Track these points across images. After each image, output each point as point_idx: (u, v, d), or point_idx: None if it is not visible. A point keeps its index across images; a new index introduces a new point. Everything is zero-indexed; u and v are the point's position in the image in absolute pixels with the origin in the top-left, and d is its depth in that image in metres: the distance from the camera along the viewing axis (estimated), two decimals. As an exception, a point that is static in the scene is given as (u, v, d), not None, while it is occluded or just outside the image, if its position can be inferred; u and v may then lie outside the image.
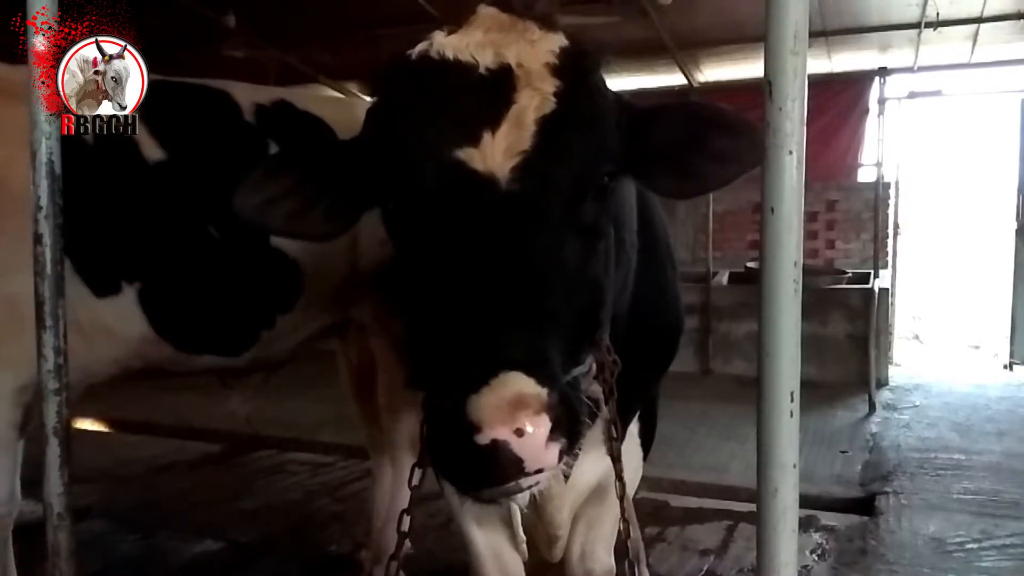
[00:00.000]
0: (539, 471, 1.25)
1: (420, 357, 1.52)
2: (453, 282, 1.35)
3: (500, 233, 1.34)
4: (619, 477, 1.80)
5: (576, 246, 1.44)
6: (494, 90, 1.39)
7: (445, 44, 1.46)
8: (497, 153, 1.35)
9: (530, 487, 1.31)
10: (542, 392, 1.23)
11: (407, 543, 3.86)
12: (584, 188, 1.44)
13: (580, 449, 1.34)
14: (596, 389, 1.70)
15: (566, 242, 1.41)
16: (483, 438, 1.21)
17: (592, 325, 1.54)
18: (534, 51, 1.43)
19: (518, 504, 1.44)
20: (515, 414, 1.20)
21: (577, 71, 1.45)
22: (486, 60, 1.42)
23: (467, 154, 1.35)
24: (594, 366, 1.65)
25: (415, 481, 1.72)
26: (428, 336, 1.44)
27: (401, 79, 1.48)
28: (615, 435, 1.77)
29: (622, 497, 1.82)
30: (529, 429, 1.20)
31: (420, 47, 1.49)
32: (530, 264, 1.34)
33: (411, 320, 1.59)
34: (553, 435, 1.24)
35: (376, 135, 1.50)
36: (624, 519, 1.85)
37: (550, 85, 1.40)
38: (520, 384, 1.23)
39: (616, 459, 1.79)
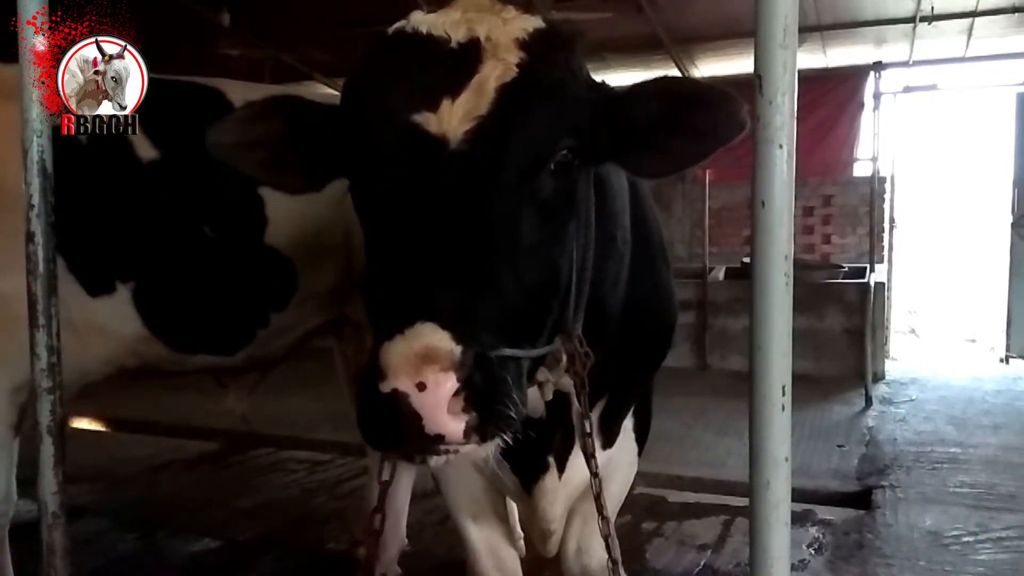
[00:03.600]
0: (440, 437, 1.18)
1: (372, 319, 1.48)
2: (400, 243, 1.35)
3: (445, 192, 1.34)
4: (594, 474, 1.76)
5: (529, 218, 1.41)
6: (460, 60, 1.40)
7: (421, 21, 1.48)
8: (454, 118, 1.35)
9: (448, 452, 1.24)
10: (455, 348, 1.18)
11: (405, 541, 3.89)
12: (539, 158, 1.42)
13: (500, 435, 1.25)
14: (568, 383, 1.67)
15: (514, 210, 1.39)
16: (385, 386, 1.17)
17: (546, 306, 1.49)
18: (505, 27, 1.44)
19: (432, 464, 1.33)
20: (420, 366, 1.16)
21: (545, 47, 1.45)
22: (458, 36, 1.43)
23: (424, 118, 1.36)
24: (565, 358, 1.62)
25: (385, 475, 1.69)
26: (378, 295, 1.41)
27: (374, 52, 1.50)
28: (588, 430, 1.73)
29: (598, 495, 1.78)
30: (431, 383, 1.16)
31: (398, 24, 1.52)
32: (469, 223, 1.33)
33: (367, 286, 1.56)
34: (464, 405, 1.18)
35: (344, 103, 1.52)
36: (603, 516, 1.80)
37: (515, 56, 1.40)
38: (432, 336, 1.19)
39: (591, 455, 1.75)
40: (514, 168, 1.38)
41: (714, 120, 1.46)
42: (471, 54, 1.41)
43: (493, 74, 1.38)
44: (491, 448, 1.28)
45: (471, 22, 1.44)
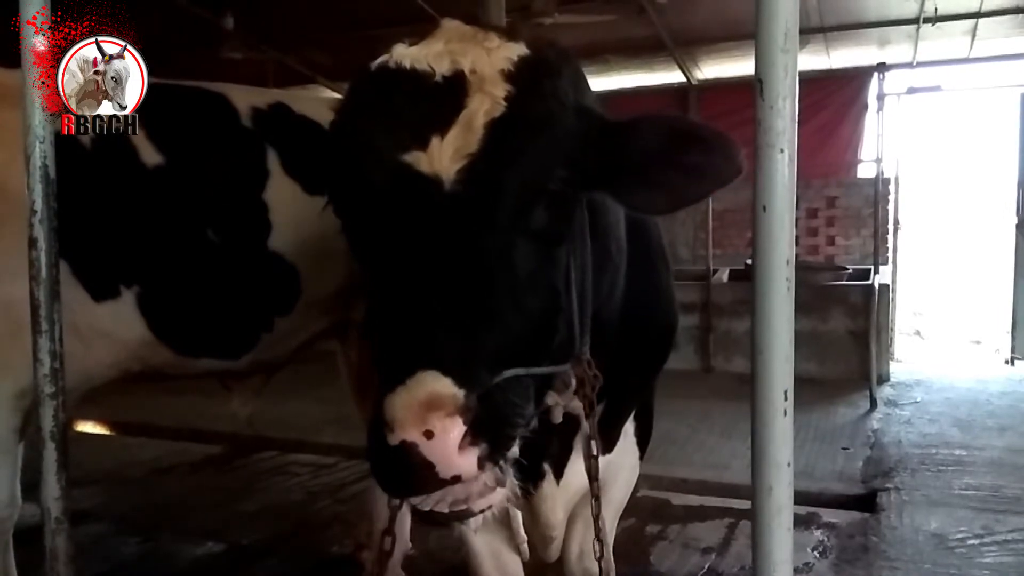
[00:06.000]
0: (456, 478, 1.20)
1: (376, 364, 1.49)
2: (396, 286, 1.34)
3: (440, 234, 1.33)
4: (595, 497, 1.75)
5: (525, 251, 1.40)
6: (446, 96, 1.38)
7: (404, 55, 1.46)
8: (444, 157, 1.33)
9: (482, 511, 1.27)
10: (458, 393, 1.19)
11: (408, 544, 3.88)
12: (533, 192, 1.41)
13: (506, 457, 1.27)
14: (577, 405, 1.66)
15: (510, 245, 1.38)
16: (393, 439, 1.18)
17: (547, 331, 1.49)
18: (490, 58, 1.42)
19: (472, 526, 1.35)
20: (425, 415, 1.16)
21: (532, 77, 1.42)
22: (442, 69, 1.41)
23: (414, 157, 1.34)
24: (574, 381, 1.61)
25: (395, 500, 1.69)
26: (379, 340, 1.41)
27: (359, 89, 1.49)
28: (595, 453, 1.72)
29: (597, 516, 1.77)
30: (438, 431, 1.16)
31: (380, 59, 1.49)
32: (465, 264, 1.32)
33: (369, 328, 1.56)
34: (473, 440, 1.19)
35: (332, 143, 1.51)
36: (599, 539, 1.79)
37: (501, 89, 1.38)
38: (434, 384, 1.19)
39: (593, 478, 1.74)
40: (507, 204, 1.37)
41: (711, 162, 1.45)
42: (457, 88, 1.38)
43: (481, 109, 1.36)
44: (503, 495, 1.30)
45: (454, 54, 1.42)
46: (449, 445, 1.17)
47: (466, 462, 1.19)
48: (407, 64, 1.44)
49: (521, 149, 1.38)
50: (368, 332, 1.50)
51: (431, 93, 1.39)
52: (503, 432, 1.25)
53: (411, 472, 1.18)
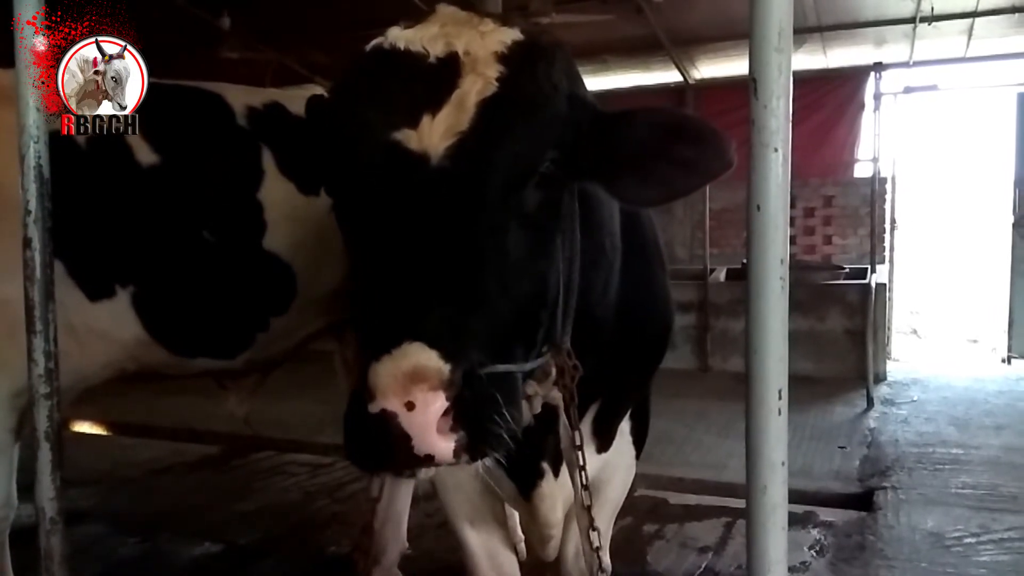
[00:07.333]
0: (429, 457, 1.18)
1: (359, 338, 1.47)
2: (384, 261, 1.34)
3: (428, 209, 1.32)
4: (585, 487, 1.75)
5: (514, 233, 1.40)
6: (439, 76, 1.39)
7: (399, 37, 1.48)
8: (434, 134, 1.33)
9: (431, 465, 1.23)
10: (443, 368, 1.18)
11: (405, 544, 3.89)
12: (522, 172, 1.40)
13: (491, 452, 1.25)
14: (557, 396, 1.66)
15: (499, 225, 1.38)
16: (374, 407, 1.17)
17: (534, 319, 1.48)
18: (484, 41, 1.43)
19: (420, 476, 1.32)
20: (409, 386, 1.15)
21: (525, 60, 1.43)
22: (436, 50, 1.42)
23: (404, 135, 1.34)
24: (554, 370, 1.61)
25: (375, 492, 1.69)
26: (363, 315, 1.40)
27: (352, 70, 1.50)
28: (578, 442, 1.71)
29: (589, 508, 1.77)
30: (420, 403, 1.15)
31: (375, 41, 1.51)
32: (453, 239, 1.31)
33: (353, 304, 1.55)
34: (453, 424, 1.18)
35: (323, 122, 1.51)
36: (593, 528, 1.79)
37: (494, 70, 1.39)
38: (420, 356, 1.18)
39: (580, 467, 1.74)
40: (497, 183, 1.37)
41: (702, 155, 1.46)
42: (450, 69, 1.39)
43: (473, 89, 1.37)
44: (481, 464, 1.27)
45: (449, 36, 1.43)
46: (429, 419, 1.16)
47: (443, 445, 1.18)
48: (401, 45, 1.45)
49: (511, 128, 1.39)
50: (353, 307, 1.49)
51: (424, 74, 1.40)
52: (485, 425, 1.23)
53: (386, 443, 1.17)
